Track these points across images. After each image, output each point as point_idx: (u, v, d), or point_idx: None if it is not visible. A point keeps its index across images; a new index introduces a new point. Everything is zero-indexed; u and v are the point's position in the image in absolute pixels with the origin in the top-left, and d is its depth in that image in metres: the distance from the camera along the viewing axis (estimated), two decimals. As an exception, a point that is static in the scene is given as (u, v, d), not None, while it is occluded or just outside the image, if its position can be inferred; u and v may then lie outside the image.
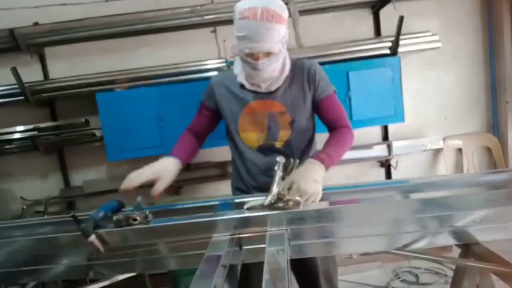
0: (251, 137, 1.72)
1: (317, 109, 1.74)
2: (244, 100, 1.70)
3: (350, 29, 3.29)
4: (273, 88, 1.66)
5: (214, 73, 2.90)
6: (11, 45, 2.93)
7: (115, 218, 1.28)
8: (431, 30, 3.16)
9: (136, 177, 1.53)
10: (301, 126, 1.71)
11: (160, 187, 1.54)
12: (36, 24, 3.00)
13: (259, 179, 1.73)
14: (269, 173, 1.66)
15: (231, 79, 1.73)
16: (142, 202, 1.35)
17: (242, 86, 1.69)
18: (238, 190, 1.83)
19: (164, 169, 1.58)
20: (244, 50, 1.50)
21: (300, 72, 1.70)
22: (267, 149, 1.72)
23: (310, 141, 1.80)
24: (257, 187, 1.72)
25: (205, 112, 1.81)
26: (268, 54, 1.51)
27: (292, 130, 1.70)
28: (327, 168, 1.47)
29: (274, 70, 1.59)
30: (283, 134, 1.70)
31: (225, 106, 1.74)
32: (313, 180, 1.36)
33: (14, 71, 2.80)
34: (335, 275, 1.84)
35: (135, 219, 1.27)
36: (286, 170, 1.33)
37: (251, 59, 1.52)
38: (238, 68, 1.70)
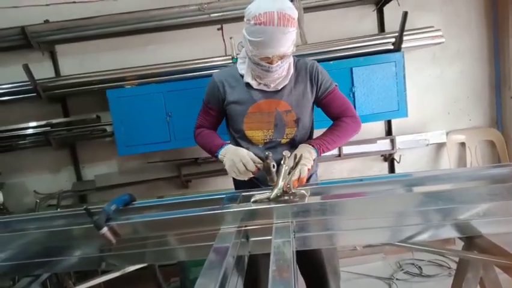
0: (257, 134, 1.74)
1: (322, 106, 1.79)
2: (250, 99, 1.71)
3: (354, 25, 3.30)
4: (280, 87, 1.69)
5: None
6: (22, 42, 2.99)
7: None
8: (434, 26, 3.15)
9: (248, 168, 1.56)
10: (305, 123, 1.75)
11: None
12: (47, 21, 3.05)
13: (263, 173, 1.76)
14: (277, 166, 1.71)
15: (235, 77, 1.75)
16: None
17: (248, 85, 1.71)
18: (242, 184, 1.83)
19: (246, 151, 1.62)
20: (260, 55, 1.51)
21: (303, 71, 1.73)
22: (272, 146, 1.75)
23: (311, 135, 1.85)
24: (264, 181, 1.74)
25: (211, 112, 1.83)
26: (282, 56, 1.53)
27: (298, 127, 1.74)
28: (318, 151, 1.64)
29: (284, 69, 1.61)
30: (289, 131, 1.74)
31: (230, 104, 1.75)
32: (303, 156, 1.50)
33: (26, 68, 2.85)
34: (338, 263, 1.89)
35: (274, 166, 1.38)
36: (292, 164, 1.35)
37: (265, 62, 1.54)
38: (243, 67, 1.71)
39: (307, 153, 1.58)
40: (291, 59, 1.67)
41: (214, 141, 1.76)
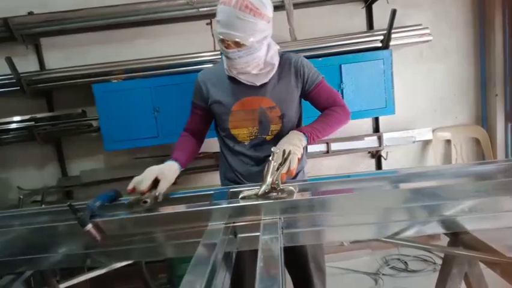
0: (242, 132, 1.73)
1: (310, 99, 1.78)
2: (233, 97, 1.70)
3: (343, 23, 3.31)
4: (258, 83, 1.66)
5: (210, 65, 2.91)
6: (5, 35, 2.93)
7: (127, 202, 1.32)
8: (422, 24, 3.18)
9: (140, 184, 1.41)
10: (290, 119, 1.74)
11: (162, 188, 1.44)
12: (31, 13, 2.99)
13: (251, 170, 1.76)
14: (261, 163, 1.73)
15: (219, 75, 1.73)
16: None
17: (231, 83, 1.69)
18: (228, 180, 1.85)
19: (164, 172, 1.49)
20: (218, 35, 1.51)
21: (287, 67, 1.71)
22: (258, 143, 1.74)
23: None
24: (249, 177, 1.75)
25: (197, 112, 1.81)
26: (238, 44, 1.49)
27: (283, 123, 1.72)
28: (309, 138, 1.60)
29: (248, 64, 1.56)
30: (274, 128, 1.73)
31: (214, 103, 1.74)
32: (293, 144, 1.51)
33: (9, 61, 2.79)
34: (323, 260, 1.89)
35: (145, 201, 1.30)
36: (281, 160, 1.35)
37: (223, 46, 1.53)
38: (225, 61, 1.69)
39: (297, 140, 1.56)
40: (267, 57, 1.62)
41: (173, 152, 1.69)
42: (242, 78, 1.66)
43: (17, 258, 1.37)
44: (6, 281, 1.38)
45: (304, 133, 1.60)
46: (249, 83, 1.67)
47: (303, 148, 1.62)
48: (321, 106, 1.78)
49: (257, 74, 1.65)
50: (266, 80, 1.67)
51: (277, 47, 1.71)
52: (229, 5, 1.42)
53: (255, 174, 1.72)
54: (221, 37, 1.50)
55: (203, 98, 1.76)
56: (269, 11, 1.51)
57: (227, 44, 1.51)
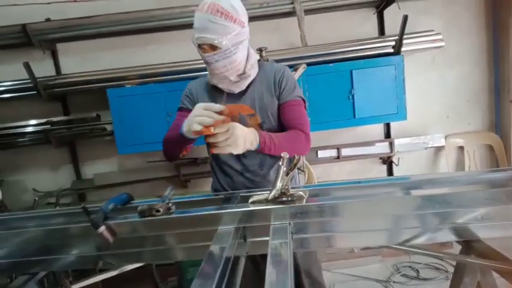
0: None
1: (279, 112, 1.72)
2: None
3: (355, 28, 3.31)
4: (236, 90, 1.67)
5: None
6: (23, 40, 3.00)
7: (139, 208, 1.28)
8: (434, 29, 3.17)
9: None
10: (270, 128, 1.69)
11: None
12: (48, 20, 3.06)
13: (236, 180, 1.75)
14: (246, 173, 1.73)
15: (204, 85, 1.77)
16: (170, 194, 1.33)
17: (212, 91, 1.71)
18: (216, 191, 1.83)
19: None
20: (195, 41, 1.55)
21: (269, 75, 1.70)
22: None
23: None
24: (235, 188, 1.72)
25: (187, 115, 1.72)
26: (214, 48, 1.53)
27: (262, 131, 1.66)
28: (261, 144, 1.52)
29: (226, 69, 1.58)
30: None
31: None
32: (243, 132, 1.44)
33: (27, 66, 2.86)
34: (320, 274, 1.83)
35: (158, 210, 1.27)
36: (290, 166, 1.35)
37: (201, 51, 1.57)
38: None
39: (248, 143, 1.49)
40: (245, 64, 1.63)
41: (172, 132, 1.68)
42: (221, 86, 1.68)
43: (31, 258, 1.39)
44: (21, 282, 1.40)
45: (260, 137, 1.53)
46: (228, 91, 1.68)
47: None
48: (285, 123, 1.71)
49: (235, 82, 1.65)
50: (243, 88, 1.67)
51: (257, 56, 1.72)
52: (202, 11, 1.49)
53: (243, 185, 1.72)
54: (198, 42, 1.54)
55: (192, 103, 1.76)
56: (242, 16, 1.54)
57: (203, 48, 1.55)
